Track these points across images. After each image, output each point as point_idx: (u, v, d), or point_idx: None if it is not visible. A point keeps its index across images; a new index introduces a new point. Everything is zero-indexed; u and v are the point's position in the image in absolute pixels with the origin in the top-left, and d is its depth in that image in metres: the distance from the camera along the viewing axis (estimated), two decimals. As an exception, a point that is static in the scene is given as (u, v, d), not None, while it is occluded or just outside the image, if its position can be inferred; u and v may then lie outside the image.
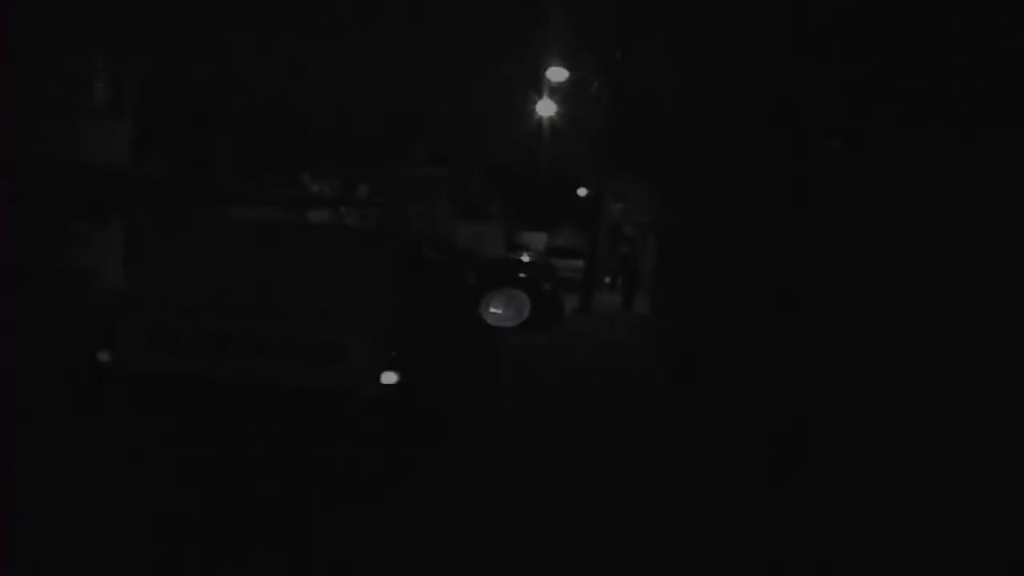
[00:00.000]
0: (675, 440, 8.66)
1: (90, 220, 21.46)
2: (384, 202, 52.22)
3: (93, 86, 23.76)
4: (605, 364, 15.37)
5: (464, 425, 9.25)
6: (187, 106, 40.89)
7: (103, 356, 7.25)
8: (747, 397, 7.44)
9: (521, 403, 11.06)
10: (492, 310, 8.71)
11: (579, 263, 33.60)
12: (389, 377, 6.94)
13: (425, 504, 6.91)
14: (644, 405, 11.08)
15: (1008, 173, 3.81)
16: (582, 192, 55.68)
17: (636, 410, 10.81)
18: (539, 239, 59.84)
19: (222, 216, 34.28)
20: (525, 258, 29.34)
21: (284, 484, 7.11)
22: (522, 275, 24.55)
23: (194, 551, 5.70)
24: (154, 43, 26.12)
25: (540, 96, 34.92)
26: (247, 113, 45.80)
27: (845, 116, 5.88)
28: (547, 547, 5.95)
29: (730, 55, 9.69)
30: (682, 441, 8.50)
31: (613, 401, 11.38)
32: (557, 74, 30.84)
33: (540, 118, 38.52)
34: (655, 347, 17.15)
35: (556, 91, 33.63)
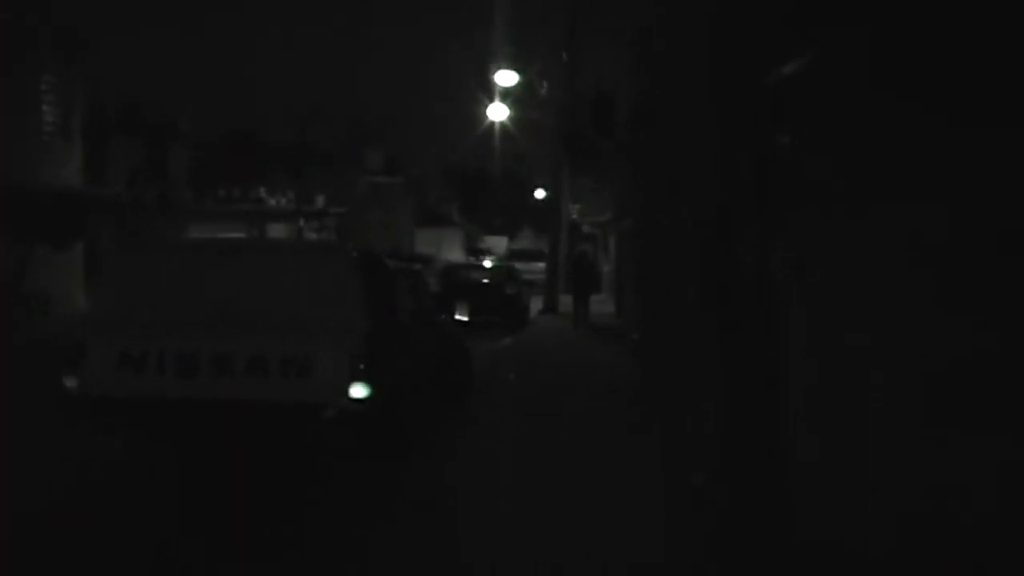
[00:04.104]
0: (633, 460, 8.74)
1: (50, 243, 21.23)
2: (342, 212, 52.02)
3: (41, 107, 23.51)
4: (571, 367, 15.43)
5: (437, 433, 9.28)
6: (139, 123, 40.53)
7: (70, 381, 7.21)
8: (717, 414, 7.49)
9: (490, 412, 11.10)
10: None
11: (542, 265, 33.70)
12: (359, 390, 6.97)
13: (396, 509, 6.94)
14: (607, 414, 11.09)
15: (966, 166, 3.90)
16: (540, 194, 55.78)
17: (600, 418, 10.83)
18: (500, 243, 59.89)
19: (182, 235, 34.00)
20: (487, 263, 29.41)
21: (260, 500, 7.11)
22: (485, 280, 24.62)
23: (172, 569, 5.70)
24: (103, 61, 25.91)
25: (491, 100, 34.96)
26: (201, 128, 45.44)
27: (797, 110, 5.97)
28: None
29: (683, 51, 9.80)
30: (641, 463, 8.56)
31: (580, 407, 11.40)
32: (507, 77, 30.84)
33: (492, 122, 38.62)
34: (619, 348, 17.25)
35: (508, 94, 33.67)
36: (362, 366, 7.00)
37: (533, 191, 61.20)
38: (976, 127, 3.77)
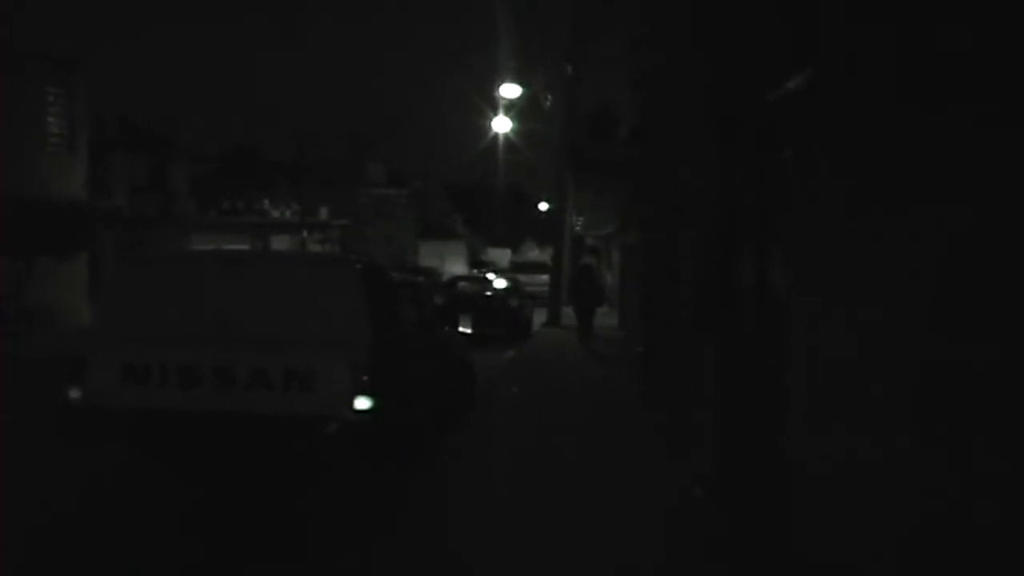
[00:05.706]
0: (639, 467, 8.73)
1: (54, 255, 21.25)
2: (345, 224, 52.11)
3: (46, 120, 23.57)
4: (574, 380, 15.41)
5: (440, 444, 9.27)
6: (143, 136, 40.67)
7: (74, 393, 7.20)
8: (721, 427, 7.47)
9: (492, 423, 11.09)
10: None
11: (545, 278, 33.68)
12: (363, 402, 6.96)
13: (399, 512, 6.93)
14: (610, 425, 11.08)
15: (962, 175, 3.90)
16: (544, 207, 55.81)
17: (602, 429, 10.82)
18: (503, 255, 59.91)
19: (185, 247, 34.07)
20: (490, 275, 29.40)
21: (262, 511, 7.11)
22: (488, 293, 24.62)
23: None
24: (107, 74, 26.18)
25: (495, 113, 35.00)
26: (203, 140, 45.61)
27: (797, 125, 5.97)
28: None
29: (682, 68, 9.81)
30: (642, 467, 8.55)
31: (582, 419, 11.39)
32: (511, 90, 30.80)
33: (496, 135, 38.65)
34: (623, 361, 17.22)
35: (511, 107, 33.71)
36: (366, 378, 6.98)
37: (536, 204, 61.26)
38: (975, 137, 3.77)
